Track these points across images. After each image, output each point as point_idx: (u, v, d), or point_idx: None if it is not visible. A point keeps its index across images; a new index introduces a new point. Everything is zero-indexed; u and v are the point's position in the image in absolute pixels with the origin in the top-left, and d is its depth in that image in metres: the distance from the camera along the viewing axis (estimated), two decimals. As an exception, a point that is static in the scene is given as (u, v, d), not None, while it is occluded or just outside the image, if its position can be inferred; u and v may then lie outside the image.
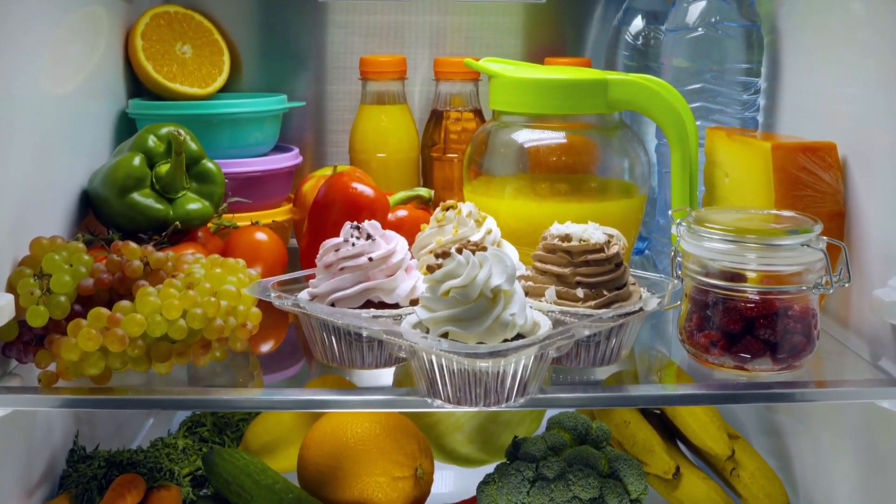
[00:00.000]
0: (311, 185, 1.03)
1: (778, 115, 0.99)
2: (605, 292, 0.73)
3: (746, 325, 0.74)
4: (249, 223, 0.98)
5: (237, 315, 0.76)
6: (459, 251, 0.67)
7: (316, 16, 1.18)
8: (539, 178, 0.92)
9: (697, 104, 0.96)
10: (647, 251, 1.10)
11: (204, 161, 0.92)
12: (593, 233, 0.75)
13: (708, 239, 0.75)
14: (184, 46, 1.09)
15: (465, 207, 0.83)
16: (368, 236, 0.75)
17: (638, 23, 1.08)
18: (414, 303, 0.73)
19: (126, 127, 1.05)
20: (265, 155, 1.08)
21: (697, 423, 0.93)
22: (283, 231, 1.05)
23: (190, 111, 1.02)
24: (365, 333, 0.71)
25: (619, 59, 1.08)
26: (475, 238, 0.82)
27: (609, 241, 0.75)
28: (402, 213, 0.92)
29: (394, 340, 0.67)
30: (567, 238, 0.75)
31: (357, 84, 1.13)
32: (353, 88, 1.16)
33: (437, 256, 0.68)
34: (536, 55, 1.18)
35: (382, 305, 0.74)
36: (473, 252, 0.67)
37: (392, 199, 0.94)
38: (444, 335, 0.66)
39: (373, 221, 0.76)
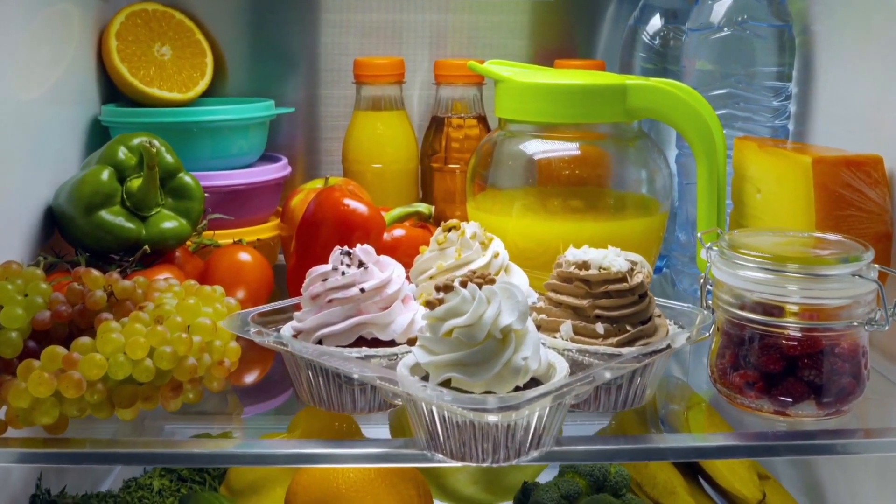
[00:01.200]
0: (301, 199, 0.95)
1: (811, 123, 0.91)
2: (628, 327, 0.65)
3: (788, 365, 0.65)
4: (232, 241, 0.89)
5: (213, 351, 0.68)
6: (464, 284, 0.58)
7: (307, 14, 1.09)
8: (550, 193, 0.83)
9: (723, 111, 0.88)
10: (665, 269, 1.01)
11: (181, 175, 0.84)
12: (614, 259, 0.66)
13: (743, 266, 0.66)
14: (163, 48, 1.01)
15: (469, 228, 0.75)
16: (360, 264, 0.66)
17: (656, 21, 0.99)
18: (412, 341, 0.64)
19: (99, 136, 0.96)
20: (250, 166, 0.99)
21: (724, 462, 0.84)
22: (270, 249, 0.96)
23: (168, 119, 0.94)
24: (356, 377, 0.62)
25: (636, 62, 1.00)
26: (480, 262, 0.73)
27: (632, 270, 0.66)
28: (398, 232, 0.84)
29: (388, 388, 0.58)
30: (585, 265, 0.66)
31: (351, 88, 1.04)
32: (346, 93, 1.08)
33: (437, 290, 0.59)
34: (545, 57, 1.10)
35: (376, 342, 0.65)
36: (480, 285, 0.58)
37: (388, 216, 0.85)
38: (447, 382, 0.57)
39: (366, 246, 0.68)
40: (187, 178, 0.84)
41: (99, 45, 0.99)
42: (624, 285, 0.65)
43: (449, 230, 0.75)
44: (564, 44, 1.12)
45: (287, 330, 0.67)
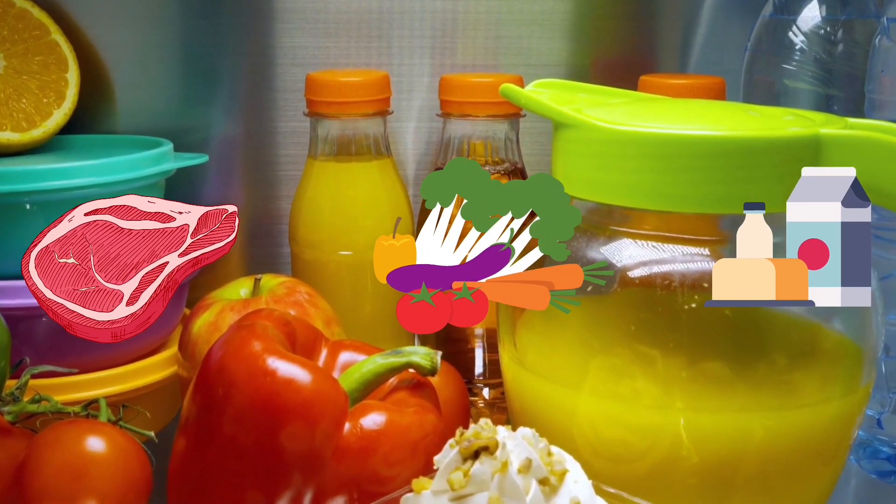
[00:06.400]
0: (207, 323, 0.55)
1: None
2: None
3: None
4: (77, 410, 0.50)
5: None
6: None
7: (247, 2, 0.71)
8: (661, 344, 0.44)
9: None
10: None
11: (-40, 306, 0.45)
12: None
13: None
14: (-10, 57, 0.62)
15: (516, 448, 0.36)
16: None
17: (812, 12, 0.60)
18: None
19: None
20: (131, 257, 0.60)
21: None
22: (163, 399, 0.57)
23: (-21, 185, 0.55)
24: None
25: (777, 79, 0.61)
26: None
27: None
28: (373, 420, 0.43)
29: None
30: None
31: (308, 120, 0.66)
32: (304, 126, 0.70)
33: None
34: (609, 68, 0.74)
35: None
36: None
37: (349, 378, 0.46)
38: None
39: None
40: (-27, 313, 0.45)
41: None
42: None
43: (474, 455, 0.36)
44: (639, 48, 0.75)
45: None
